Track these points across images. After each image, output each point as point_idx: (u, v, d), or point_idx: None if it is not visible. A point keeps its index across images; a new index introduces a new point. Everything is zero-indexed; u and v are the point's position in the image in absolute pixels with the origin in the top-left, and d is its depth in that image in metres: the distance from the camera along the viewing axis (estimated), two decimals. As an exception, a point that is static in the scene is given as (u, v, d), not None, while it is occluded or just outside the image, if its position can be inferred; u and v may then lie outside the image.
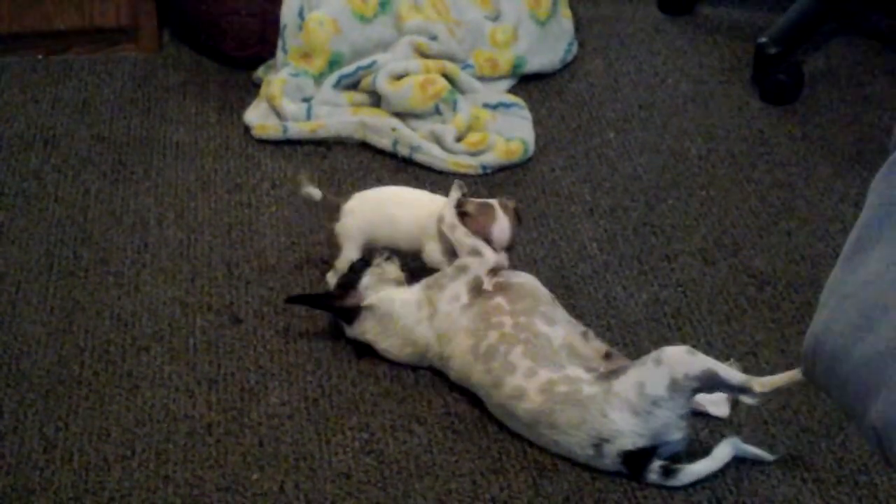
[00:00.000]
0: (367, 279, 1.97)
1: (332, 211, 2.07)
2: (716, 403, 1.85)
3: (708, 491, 1.75)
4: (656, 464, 1.73)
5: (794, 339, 2.00)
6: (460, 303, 1.90)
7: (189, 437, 1.83)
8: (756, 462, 1.79)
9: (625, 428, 1.71)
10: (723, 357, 1.87)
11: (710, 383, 1.73)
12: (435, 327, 1.91)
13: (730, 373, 1.73)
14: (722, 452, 1.76)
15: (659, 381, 1.71)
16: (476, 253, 1.93)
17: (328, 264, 2.11)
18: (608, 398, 1.73)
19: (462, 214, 1.96)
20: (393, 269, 1.99)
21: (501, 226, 1.95)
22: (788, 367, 1.93)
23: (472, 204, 1.98)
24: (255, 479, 1.77)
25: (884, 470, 1.77)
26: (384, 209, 2.06)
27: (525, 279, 1.96)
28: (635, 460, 1.73)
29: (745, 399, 1.76)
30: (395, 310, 1.93)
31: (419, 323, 1.92)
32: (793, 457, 1.81)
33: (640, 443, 1.72)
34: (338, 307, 1.96)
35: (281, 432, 1.84)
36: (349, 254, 2.04)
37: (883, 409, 0.96)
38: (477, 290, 1.91)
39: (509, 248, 1.97)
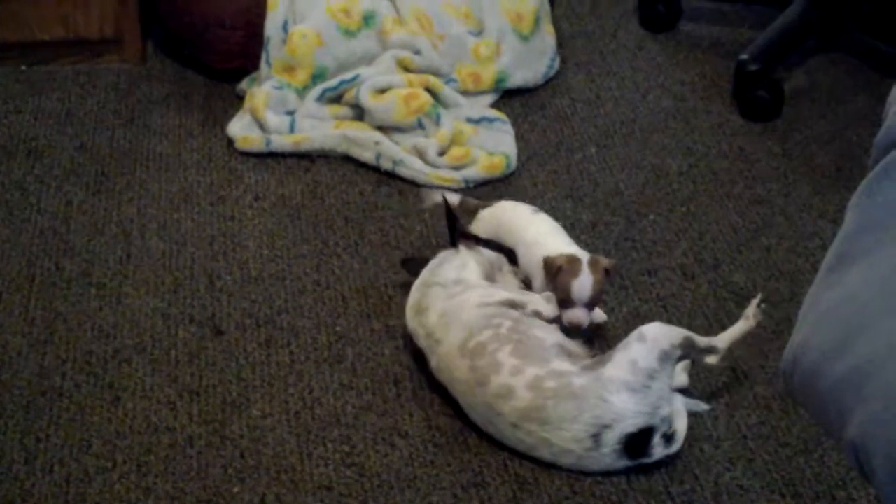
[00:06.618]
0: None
1: (469, 213, 2.16)
2: (676, 374, 1.89)
3: (687, 505, 1.76)
4: (657, 438, 1.77)
5: (773, 354, 2.01)
6: (484, 300, 1.91)
7: (170, 449, 1.83)
8: (734, 476, 1.80)
9: (626, 408, 1.74)
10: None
11: (688, 349, 1.82)
12: (446, 304, 1.92)
13: (697, 337, 1.84)
14: (682, 402, 1.85)
15: (649, 355, 1.77)
16: (544, 301, 1.96)
17: (309, 276, 2.12)
18: (603, 384, 1.75)
19: (553, 267, 1.97)
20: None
21: (582, 282, 1.94)
22: (768, 382, 1.96)
23: (563, 258, 1.97)
24: (237, 491, 1.77)
25: (861, 485, 1.79)
26: (512, 235, 2.09)
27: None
28: (636, 442, 1.76)
29: (710, 359, 1.88)
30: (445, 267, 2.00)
31: (447, 298, 1.94)
32: (771, 472, 1.82)
33: (641, 422, 1.75)
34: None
35: (262, 445, 1.85)
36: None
37: (861, 424, 0.97)
38: (509, 306, 1.93)
39: (591, 305, 1.97)
